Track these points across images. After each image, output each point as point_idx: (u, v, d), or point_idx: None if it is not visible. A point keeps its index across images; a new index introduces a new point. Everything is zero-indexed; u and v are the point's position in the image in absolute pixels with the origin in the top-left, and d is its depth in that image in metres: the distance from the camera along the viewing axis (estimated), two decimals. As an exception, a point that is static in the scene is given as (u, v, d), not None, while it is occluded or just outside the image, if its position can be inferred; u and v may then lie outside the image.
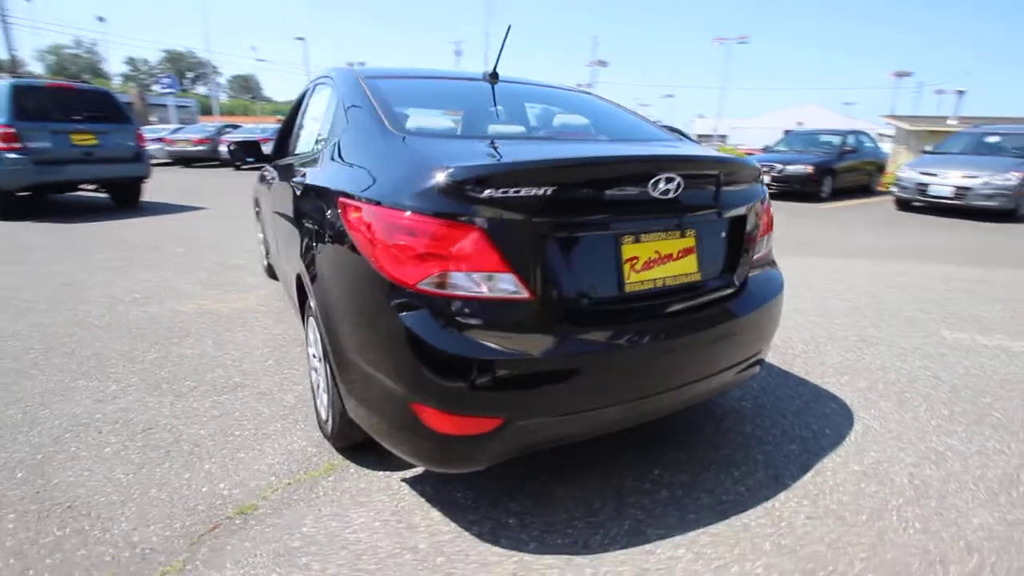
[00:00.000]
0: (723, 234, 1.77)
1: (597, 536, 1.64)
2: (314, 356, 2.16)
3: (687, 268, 1.66)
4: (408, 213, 1.36)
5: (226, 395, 2.48)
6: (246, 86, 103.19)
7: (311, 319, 2.06)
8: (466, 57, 47.92)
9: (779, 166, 10.49)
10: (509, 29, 2.20)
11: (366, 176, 1.56)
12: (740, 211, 1.77)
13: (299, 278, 2.16)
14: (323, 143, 2.20)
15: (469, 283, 1.36)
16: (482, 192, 1.35)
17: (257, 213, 4.33)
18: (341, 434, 1.93)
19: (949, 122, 25.73)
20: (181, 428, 2.20)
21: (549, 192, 1.38)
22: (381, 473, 1.94)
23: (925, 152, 10.14)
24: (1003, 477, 1.97)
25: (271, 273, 4.30)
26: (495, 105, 2.25)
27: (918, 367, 2.92)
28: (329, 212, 1.68)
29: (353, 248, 1.51)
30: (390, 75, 2.19)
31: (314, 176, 1.97)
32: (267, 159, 3.62)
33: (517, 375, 1.38)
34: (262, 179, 3.76)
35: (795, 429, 2.26)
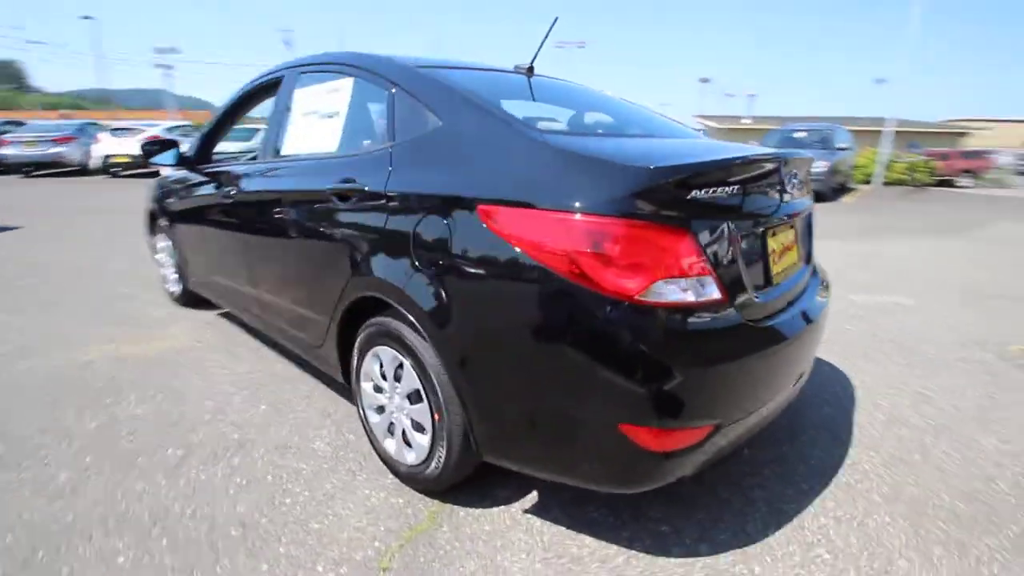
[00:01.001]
0: (805, 225, 1.92)
1: (749, 525, 1.68)
2: (382, 394, 1.85)
3: (794, 259, 1.77)
4: (621, 219, 1.23)
5: (237, 457, 1.99)
6: (6, 73, 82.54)
7: (383, 353, 1.76)
8: (296, 49, 44.12)
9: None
10: (555, 21, 2.11)
11: (515, 180, 1.37)
12: (811, 203, 1.95)
13: (346, 310, 1.84)
14: (371, 144, 1.87)
15: (681, 289, 1.28)
16: (687, 193, 1.29)
17: (162, 229, 3.53)
18: (446, 477, 1.68)
19: (744, 121, 31.00)
20: (208, 510, 1.72)
21: (730, 191, 1.37)
22: (495, 510, 1.74)
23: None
24: (977, 405, 2.47)
25: (190, 300, 3.55)
26: (563, 100, 2.14)
27: (861, 328, 3.49)
28: (459, 223, 1.44)
29: (520, 264, 1.32)
30: (448, 66, 1.93)
31: (387, 181, 1.66)
32: (193, 162, 2.98)
33: (726, 378, 1.35)
34: (184, 188, 3.07)
35: (822, 395, 2.56)
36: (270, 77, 2.53)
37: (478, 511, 1.73)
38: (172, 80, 43.58)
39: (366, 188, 1.72)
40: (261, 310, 2.52)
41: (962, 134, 29.38)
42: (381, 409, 1.89)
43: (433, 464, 1.68)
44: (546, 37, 2.12)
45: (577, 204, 1.26)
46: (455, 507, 1.75)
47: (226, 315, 3.51)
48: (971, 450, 2.11)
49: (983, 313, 3.89)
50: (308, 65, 2.29)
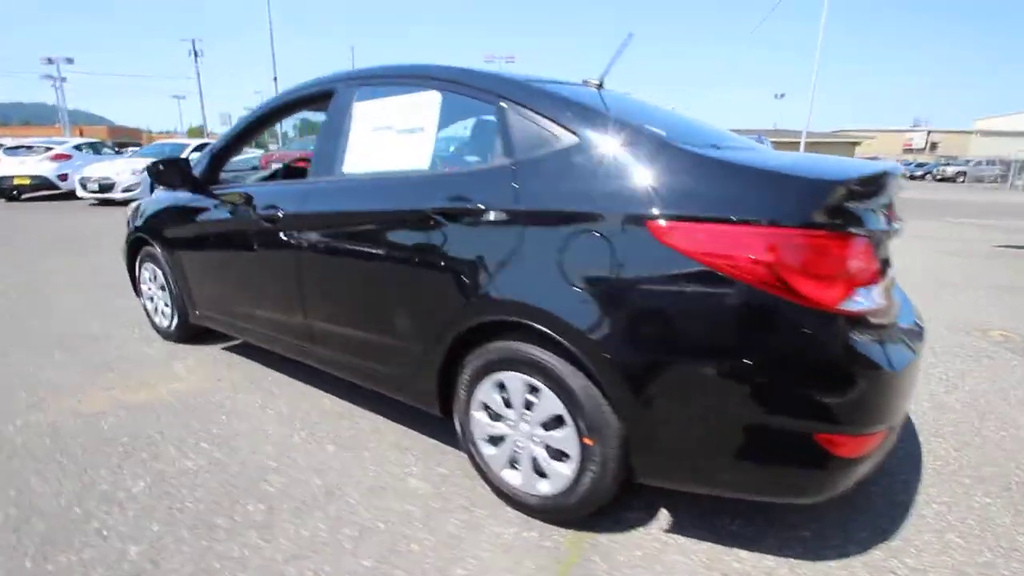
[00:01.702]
0: None
1: (880, 520, 1.75)
2: (502, 423, 1.74)
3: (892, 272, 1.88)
4: (821, 231, 1.24)
5: (332, 506, 1.80)
6: None
7: (509, 380, 1.66)
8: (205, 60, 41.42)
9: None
10: (630, 37, 2.12)
11: (693, 196, 1.35)
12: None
13: (457, 336, 1.72)
14: (480, 160, 1.78)
15: (866, 298, 1.31)
16: (861, 203, 1.33)
17: (150, 257, 3.15)
18: (589, 504, 1.61)
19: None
20: (331, 569, 1.53)
21: (872, 203, 1.43)
22: (635, 534, 1.69)
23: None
24: (996, 388, 2.73)
25: (185, 335, 3.19)
26: (645, 115, 2.14)
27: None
28: (622, 239, 1.39)
29: (706, 277, 1.30)
30: (551, 82, 1.87)
31: (516, 199, 1.58)
32: (203, 184, 2.71)
33: (897, 383, 1.39)
34: (191, 211, 2.77)
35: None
36: (314, 90, 2.34)
37: (619, 536, 1.67)
38: (63, 93, 39.54)
39: (489, 207, 1.63)
40: (313, 342, 2.31)
41: (855, 143, 32.87)
42: (497, 440, 1.79)
43: (578, 492, 1.60)
44: (619, 54, 2.12)
45: (777, 217, 1.26)
46: (593, 534, 1.68)
47: (232, 349, 3.19)
48: (1017, 428, 2.33)
49: (934, 302, 4.34)
50: (370, 78, 2.14)
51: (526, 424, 1.69)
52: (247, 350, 3.16)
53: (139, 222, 3.17)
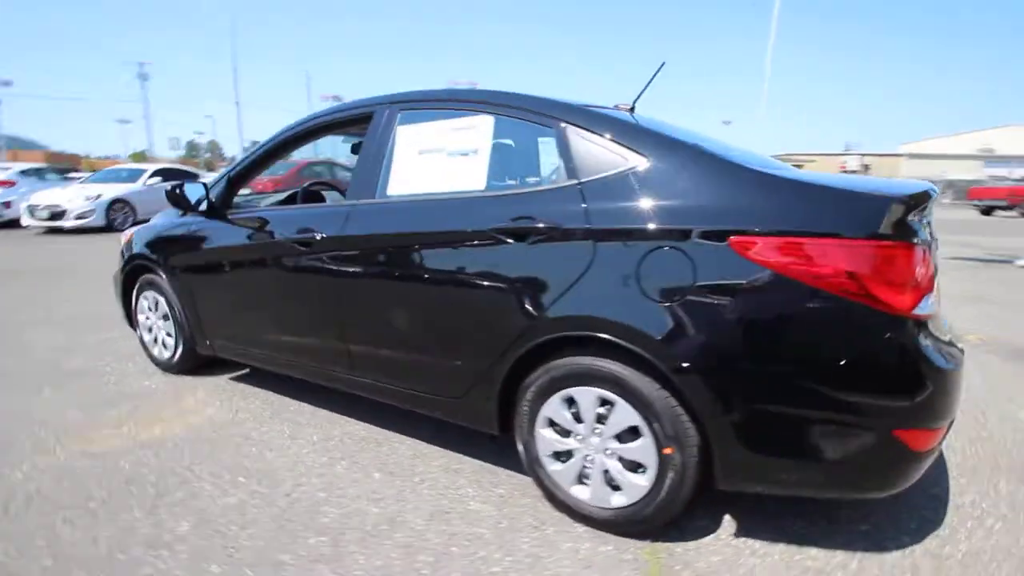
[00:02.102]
0: None
1: (924, 512, 1.85)
2: (570, 438, 1.74)
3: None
4: (898, 243, 1.35)
5: (399, 533, 1.75)
6: None
7: (580, 395, 1.68)
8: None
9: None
10: (662, 65, 2.24)
11: (772, 212, 1.44)
12: None
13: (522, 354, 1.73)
14: (541, 181, 1.82)
15: (929, 303, 1.43)
16: (915, 217, 1.45)
17: (151, 285, 3.00)
18: (667, 514, 1.64)
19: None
20: (415, 597, 1.49)
21: (924, 217, 1.55)
22: (707, 541, 1.72)
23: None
24: (988, 385, 2.95)
25: (188, 365, 3.05)
26: (693, 137, 2.24)
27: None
28: (702, 254, 1.46)
29: (790, 288, 1.38)
30: (592, 106, 1.93)
31: (587, 218, 1.63)
32: (219, 208, 2.63)
33: (957, 380, 1.50)
34: (206, 236, 2.67)
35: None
36: (350, 113, 2.34)
37: (692, 545, 1.70)
38: (-5, 116, 36.95)
39: (558, 226, 1.67)
40: (350, 368, 2.25)
41: (799, 166, 34.86)
42: (563, 455, 1.79)
43: (656, 502, 1.63)
44: (652, 78, 2.23)
45: (852, 230, 1.36)
46: (666, 545, 1.70)
47: (241, 379, 3.06)
48: (1017, 421, 2.53)
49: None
50: (413, 102, 2.16)
51: (597, 438, 1.71)
52: (257, 379, 3.04)
53: (140, 248, 3.03)
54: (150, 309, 3.11)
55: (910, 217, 1.43)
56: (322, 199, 3.19)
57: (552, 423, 1.79)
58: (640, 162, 1.64)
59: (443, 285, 1.92)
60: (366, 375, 2.23)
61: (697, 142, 1.69)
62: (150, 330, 3.17)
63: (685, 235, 1.51)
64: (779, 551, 1.67)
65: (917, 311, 1.38)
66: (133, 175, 11.65)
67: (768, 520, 1.80)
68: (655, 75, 2.24)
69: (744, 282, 1.44)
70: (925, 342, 1.40)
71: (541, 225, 1.71)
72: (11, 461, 2.18)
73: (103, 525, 1.79)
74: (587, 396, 1.69)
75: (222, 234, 2.62)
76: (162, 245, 2.90)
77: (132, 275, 3.14)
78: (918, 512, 1.85)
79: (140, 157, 64.51)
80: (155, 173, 11.77)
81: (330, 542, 1.71)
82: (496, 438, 2.07)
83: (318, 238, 2.20)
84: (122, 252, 3.23)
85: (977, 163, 36.57)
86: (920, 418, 1.39)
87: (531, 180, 1.89)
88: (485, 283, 1.82)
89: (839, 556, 1.64)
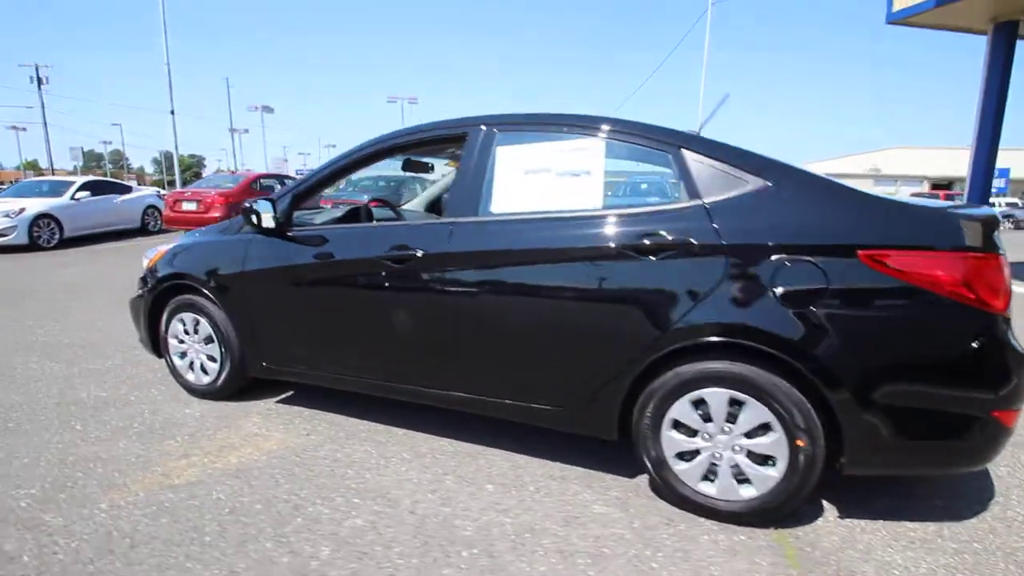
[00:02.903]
0: None
1: (983, 493, 2.16)
2: (698, 437, 1.89)
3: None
4: (997, 255, 1.63)
5: (544, 540, 1.81)
6: None
7: (710, 396, 1.84)
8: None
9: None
10: (726, 97, 2.49)
11: (897, 228, 1.69)
12: None
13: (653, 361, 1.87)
14: (664, 200, 1.96)
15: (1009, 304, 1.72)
16: (997, 234, 1.74)
17: (188, 306, 2.84)
18: (797, 501, 1.83)
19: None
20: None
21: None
22: (818, 524, 1.92)
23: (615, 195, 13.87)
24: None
25: (232, 390, 2.90)
26: None
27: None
28: (832, 265, 1.68)
29: (914, 293, 1.62)
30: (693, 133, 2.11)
31: (720, 234, 1.80)
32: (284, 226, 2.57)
33: None
34: (270, 254, 2.58)
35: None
36: (441, 132, 2.39)
37: (808, 528, 1.89)
38: None
39: (689, 241, 1.84)
40: (444, 384, 2.28)
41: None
42: (688, 454, 1.94)
43: (787, 491, 1.80)
44: (716, 110, 2.48)
45: (961, 244, 1.63)
46: (786, 530, 1.88)
47: (290, 401, 2.95)
48: None
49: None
50: (513, 124, 2.25)
51: (724, 435, 1.87)
52: (305, 401, 2.94)
53: (178, 267, 2.86)
54: (186, 332, 2.93)
55: (995, 233, 1.73)
56: (360, 217, 3.14)
57: (677, 424, 1.93)
58: (760, 184, 1.85)
59: (566, 299, 2.02)
60: (468, 390, 2.26)
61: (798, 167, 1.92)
62: (183, 355, 2.98)
63: (814, 250, 1.72)
64: (882, 527, 1.90)
65: (1007, 311, 1.67)
66: (57, 188, 10.59)
67: (862, 502, 2.03)
68: (719, 106, 2.48)
69: (873, 289, 1.67)
70: (1012, 336, 1.69)
71: (672, 241, 1.87)
72: (84, 501, 2.01)
73: (235, 558, 1.72)
74: (718, 397, 1.85)
75: (288, 252, 2.55)
76: (210, 264, 2.76)
77: (162, 297, 2.95)
78: (973, 483, 2.17)
79: (31, 166, 58.15)
80: (84, 186, 10.77)
81: (483, 554, 1.75)
82: (605, 443, 2.19)
83: (419, 255, 2.22)
84: (146, 274, 3.03)
85: (867, 181, 41.17)
86: (1012, 399, 1.67)
87: (651, 200, 2.04)
88: (612, 296, 1.94)
89: (931, 526, 1.90)
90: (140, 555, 1.73)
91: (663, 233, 1.89)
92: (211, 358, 2.89)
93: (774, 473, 1.82)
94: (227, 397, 2.94)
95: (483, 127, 2.29)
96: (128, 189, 12.19)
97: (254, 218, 2.48)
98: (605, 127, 2.10)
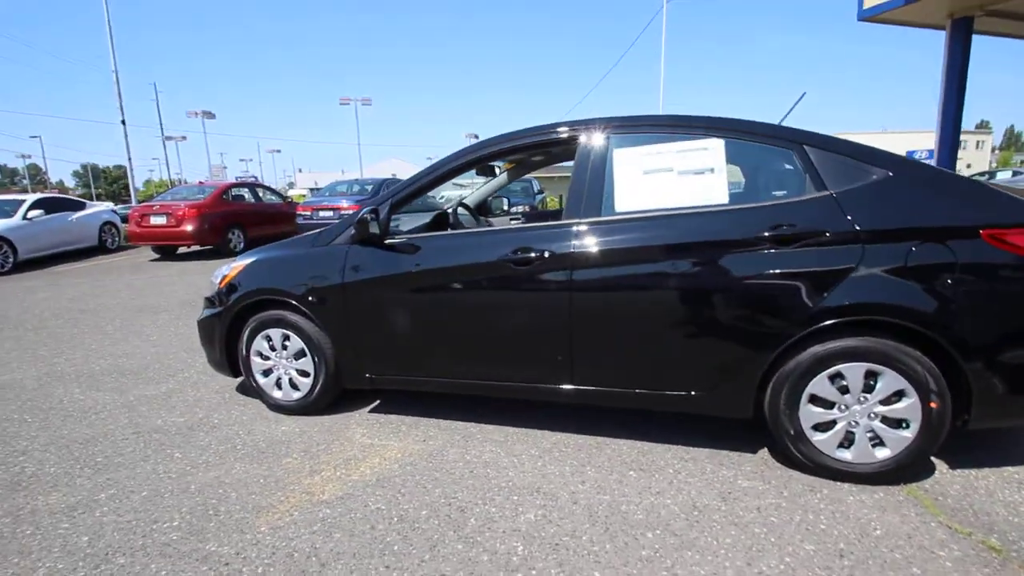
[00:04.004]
0: None
1: (1018, 447, 2.46)
2: (834, 409, 2.06)
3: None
4: None
5: (715, 516, 1.93)
6: None
7: (848, 371, 2.01)
8: None
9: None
10: (803, 96, 2.69)
11: (997, 209, 1.91)
12: None
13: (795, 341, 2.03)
14: (790, 193, 2.12)
15: None
16: None
17: (279, 321, 2.77)
18: (927, 454, 2.03)
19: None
20: (820, 562, 1.70)
21: None
22: (937, 476, 2.14)
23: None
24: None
25: (326, 403, 2.86)
26: None
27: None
28: (960, 245, 1.89)
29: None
30: None
31: (854, 222, 1.98)
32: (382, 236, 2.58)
33: None
34: (375, 262, 2.57)
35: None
36: (550, 136, 2.46)
37: (930, 481, 2.11)
38: None
39: (825, 230, 2.00)
40: (571, 380, 2.36)
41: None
42: (825, 425, 2.10)
43: (919, 449, 2.01)
44: (795, 104, 2.67)
45: None
46: (915, 484, 2.09)
47: (381, 410, 2.93)
48: None
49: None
50: (627, 126, 2.36)
51: (859, 405, 2.06)
52: (400, 407, 2.94)
53: (264, 283, 2.79)
54: (273, 349, 2.86)
55: None
56: (445, 224, 3.16)
57: (814, 399, 2.10)
58: (883, 174, 2.04)
59: (700, 290, 2.15)
60: (596, 383, 2.36)
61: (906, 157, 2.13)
62: (267, 372, 2.91)
63: (940, 232, 1.93)
64: (990, 472, 2.15)
65: None
66: (4, 208, 9.76)
67: (956, 455, 2.27)
68: (796, 103, 2.68)
69: (995, 264, 1.89)
70: None
71: (806, 230, 2.03)
72: (240, 527, 1.96)
73: (435, 563, 1.74)
74: (855, 371, 2.03)
75: (395, 261, 2.55)
76: (304, 277, 2.71)
77: (243, 314, 2.86)
78: (1011, 436, 2.47)
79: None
80: (36, 204, 9.97)
81: (666, 533, 1.85)
82: (709, 422, 2.34)
83: (546, 255, 2.29)
84: (218, 293, 2.92)
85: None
86: None
87: (778, 193, 2.19)
88: (748, 285, 2.09)
89: (1009, 470, 2.17)
90: (338, 572, 1.72)
91: (796, 223, 2.05)
92: (303, 373, 2.83)
93: (908, 434, 2.03)
94: (318, 411, 2.90)
95: (596, 131, 2.38)
96: (82, 205, 11.38)
97: (371, 228, 2.46)
98: (727, 127, 2.24)
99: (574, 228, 2.31)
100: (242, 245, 10.43)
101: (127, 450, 2.60)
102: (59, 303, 6.36)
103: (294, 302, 2.73)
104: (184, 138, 42.34)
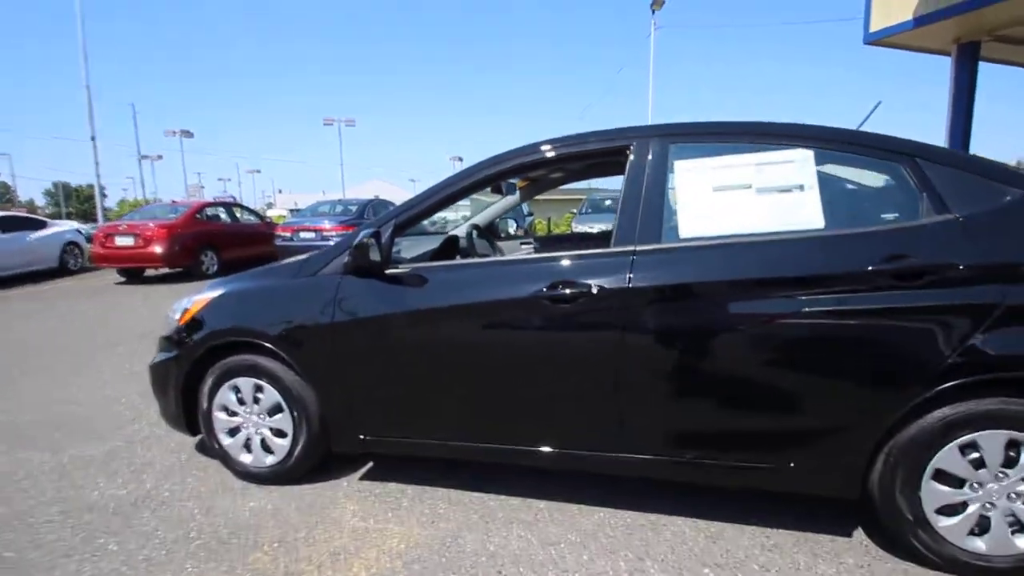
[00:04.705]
0: None
1: None
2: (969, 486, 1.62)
3: None
4: None
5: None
6: None
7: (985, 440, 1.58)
8: None
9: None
10: (878, 105, 2.32)
11: None
12: None
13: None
14: (903, 217, 1.71)
15: None
16: None
17: (252, 369, 2.24)
18: None
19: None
20: None
21: None
22: None
23: (580, 212, 13.77)
24: None
25: (305, 470, 2.32)
26: None
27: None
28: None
29: None
30: None
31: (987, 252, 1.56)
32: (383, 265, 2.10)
33: None
34: (370, 297, 2.08)
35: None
36: (590, 147, 2.02)
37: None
38: None
39: (956, 263, 1.58)
40: (625, 443, 1.88)
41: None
42: (953, 508, 1.65)
43: None
44: (867, 118, 2.30)
45: None
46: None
47: (372, 478, 2.39)
48: None
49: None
50: (690, 135, 1.93)
51: (998, 483, 1.61)
52: (396, 472, 2.40)
53: (235, 320, 2.26)
54: (241, 403, 2.32)
55: None
56: (452, 251, 2.69)
57: (939, 474, 1.66)
58: (1021, 195, 1.64)
59: (794, 338, 1.70)
60: (653, 451, 1.88)
61: None
62: (234, 431, 2.36)
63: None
64: None
65: None
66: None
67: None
68: (872, 112, 2.30)
69: None
70: None
71: (928, 263, 1.61)
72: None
73: None
74: (994, 440, 1.59)
75: (399, 295, 2.05)
76: (283, 314, 2.19)
77: (206, 359, 2.32)
78: None
79: None
80: (-9, 223, 9.22)
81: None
82: (778, 495, 1.87)
83: (593, 291, 1.83)
84: (178, 331, 2.38)
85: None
86: None
87: (887, 217, 1.78)
88: (859, 331, 1.65)
89: None
90: None
91: (918, 254, 1.63)
92: (278, 432, 2.29)
93: (1054, 508, 1.59)
94: (297, 480, 2.35)
95: (652, 138, 1.95)
96: (42, 224, 10.60)
97: (372, 254, 1.97)
98: (818, 136, 1.82)
99: (628, 257, 1.85)
100: (216, 267, 9.79)
101: (47, 539, 2.01)
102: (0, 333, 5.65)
103: (269, 345, 2.20)
104: (160, 157, 41.34)
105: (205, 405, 2.37)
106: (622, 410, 1.87)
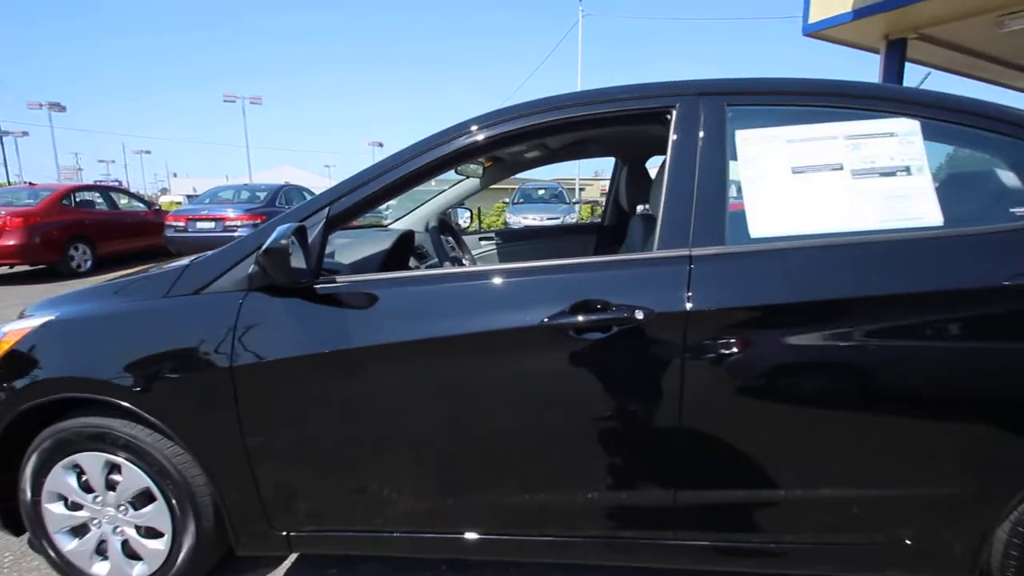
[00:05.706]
0: None
1: None
2: None
3: None
4: None
5: None
6: None
7: None
8: None
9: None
10: (927, 75, 1.93)
11: None
12: None
13: None
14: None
15: None
16: None
17: (105, 438, 1.46)
18: None
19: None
20: None
21: None
22: None
23: (512, 203, 13.32)
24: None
25: (201, 570, 1.57)
26: None
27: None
28: None
29: None
30: None
31: None
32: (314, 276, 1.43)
33: None
34: (294, 322, 1.37)
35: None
36: (617, 107, 1.41)
37: None
38: None
39: None
40: (676, 524, 1.34)
41: (582, 190, 39.29)
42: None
43: None
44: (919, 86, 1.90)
45: None
46: None
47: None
48: None
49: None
50: (755, 94, 1.39)
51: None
52: (334, 561, 1.71)
53: (71, 367, 1.45)
54: (89, 490, 1.51)
55: None
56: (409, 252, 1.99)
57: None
58: None
59: (919, 372, 1.22)
60: (717, 529, 1.35)
61: None
62: (79, 531, 1.55)
63: None
64: None
65: None
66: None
67: None
68: (922, 81, 1.90)
69: None
70: None
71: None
72: None
73: None
74: None
75: (331, 325, 1.37)
76: (144, 353, 1.41)
77: (27, 423, 1.49)
78: None
79: None
80: None
81: None
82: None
83: (638, 316, 1.25)
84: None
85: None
86: None
87: (1018, 211, 1.34)
88: (1004, 365, 1.20)
89: None
90: None
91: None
92: (150, 532, 1.52)
93: None
94: (188, 590, 1.59)
95: (703, 97, 1.39)
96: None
97: (294, 261, 1.25)
98: (925, 102, 1.34)
99: (685, 267, 1.29)
100: (90, 264, 8.23)
101: None
102: None
103: (127, 404, 1.42)
104: (25, 134, 35.68)
105: (29, 494, 1.54)
106: (678, 477, 1.32)
